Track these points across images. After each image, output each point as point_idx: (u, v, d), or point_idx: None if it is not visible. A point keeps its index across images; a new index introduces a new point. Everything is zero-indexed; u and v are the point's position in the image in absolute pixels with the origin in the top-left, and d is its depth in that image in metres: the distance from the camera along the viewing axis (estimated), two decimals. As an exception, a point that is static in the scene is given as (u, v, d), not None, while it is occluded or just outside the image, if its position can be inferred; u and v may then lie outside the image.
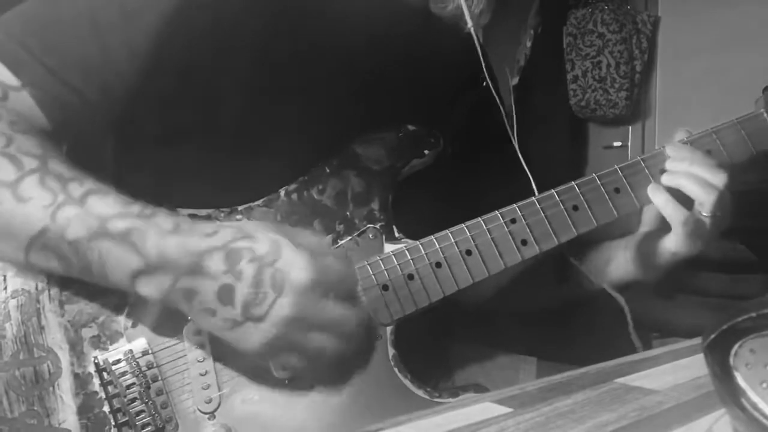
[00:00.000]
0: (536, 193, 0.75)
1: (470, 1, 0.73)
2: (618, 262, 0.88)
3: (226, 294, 0.58)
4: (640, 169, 0.77)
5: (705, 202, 0.74)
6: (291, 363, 0.62)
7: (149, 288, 0.59)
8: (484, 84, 0.84)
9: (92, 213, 0.58)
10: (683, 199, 0.75)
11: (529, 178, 0.78)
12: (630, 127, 3.15)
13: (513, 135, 0.82)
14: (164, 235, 0.58)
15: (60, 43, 0.65)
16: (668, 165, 0.77)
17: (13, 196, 0.58)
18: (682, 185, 0.75)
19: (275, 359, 0.63)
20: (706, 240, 0.77)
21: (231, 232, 0.60)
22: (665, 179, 0.76)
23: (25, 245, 0.59)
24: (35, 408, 0.63)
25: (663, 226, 0.80)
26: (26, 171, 0.59)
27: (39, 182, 0.59)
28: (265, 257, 0.59)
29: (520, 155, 0.79)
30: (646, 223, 0.84)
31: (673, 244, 0.78)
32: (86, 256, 0.58)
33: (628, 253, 0.87)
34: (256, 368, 0.67)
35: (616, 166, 0.77)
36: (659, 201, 0.76)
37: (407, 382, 0.71)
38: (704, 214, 0.75)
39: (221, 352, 0.67)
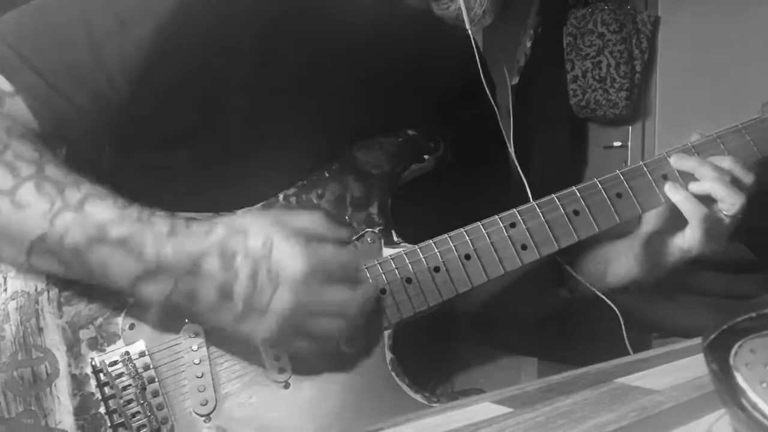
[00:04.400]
0: (531, 200, 0.75)
1: (472, 2, 0.72)
2: (619, 263, 0.87)
3: (225, 291, 0.59)
4: (643, 173, 0.77)
5: (735, 203, 0.74)
6: (302, 348, 0.64)
7: (151, 292, 0.60)
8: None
9: (90, 219, 0.59)
10: (701, 199, 0.75)
11: (524, 184, 0.77)
12: (630, 127, 3.15)
13: (509, 141, 0.81)
14: (161, 239, 0.59)
15: (52, 50, 0.65)
16: (694, 169, 0.76)
17: (11, 204, 0.59)
18: (705, 187, 0.75)
19: (286, 346, 0.64)
20: (723, 240, 0.77)
21: (224, 230, 0.61)
22: (693, 186, 0.76)
23: (26, 250, 0.60)
24: (32, 408, 0.63)
25: (671, 225, 0.79)
26: (23, 178, 0.59)
27: (36, 189, 0.59)
28: (259, 251, 0.60)
29: (516, 162, 0.79)
30: (650, 222, 0.83)
31: (688, 241, 0.77)
32: (86, 261, 0.59)
33: (632, 253, 0.86)
34: (253, 371, 0.67)
35: (617, 171, 0.76)
36: (678, 198, 0.75)
37: (405, 387, 0.70)
38: (727, 214, 0.75)
39: (218, 354, 0.68)
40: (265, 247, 0.60)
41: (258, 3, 0.69)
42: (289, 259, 0.60)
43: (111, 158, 0.76)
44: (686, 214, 0.75)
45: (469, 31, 0.73)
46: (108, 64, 0.65)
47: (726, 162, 0.76)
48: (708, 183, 0.74)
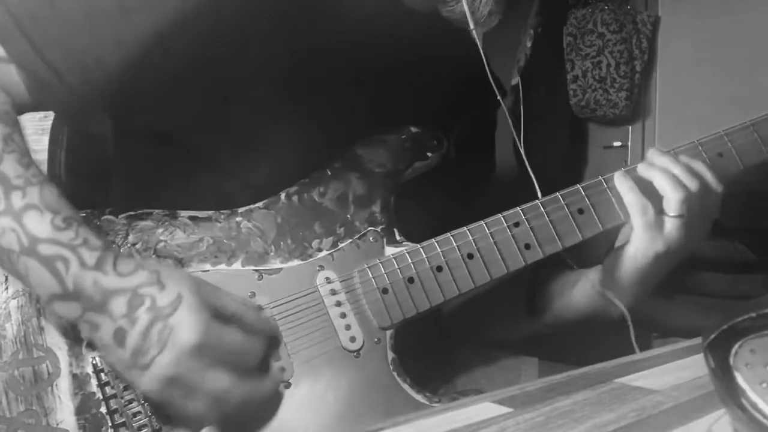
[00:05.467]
0: (539, 197, 0.74)
1: (477, 3, 0.72)
2: (583, 285, 0.83)
3: (120, 336, 0.60)
4: None
5: (671, 199, 0.72)
6: (175, 414, 0.63)
7: (61, 311, 0.61)
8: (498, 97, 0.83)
9: (26, 231, 0.60)
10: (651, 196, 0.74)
11: (533, 181, 0.76)
12: (630, 127, 3.15)
13: (519, 140, 0.80)
14: (84, 269, 0.60)
15: (50, 24, 0.66)
16: (649, 156, 0.75)
17: None
18: (653, 176, 0.73)
19: (163, 406, 0.63)
20: (674, 244, 0.73)
21: (144, 276, 0.61)
22: (640, 168, 0.75)
23: None
24: (34, 408, 0.63)
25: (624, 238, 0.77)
26: None
27: None
28: (162, 309, 0.60)
29: (525, 160, 0.78)
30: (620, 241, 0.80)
31: (631, 242, 0.74)
32: (16, 265, 0.60)
33: (593, 276, 0.82)
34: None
35: (622, 168, 0.75)
36: (623, 187, 0.74)
37: (406, 387, 0.70)
38: (670, 214, 0.73)
39: None
40: (171, 306, 0.60)
41: (263, 3, 0.69)
42: (185, 326, 0.59)
43: (113, 145, 0.76)
44: (627, 204, 0.74)
45: (473, 32, 0.73)
46: (101, 47, 0.66)
47: (698, 165, 0.74)
48: (658, 176, 0.73)
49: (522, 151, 0.79)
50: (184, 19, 0.66)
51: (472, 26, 0.72)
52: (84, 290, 0.60)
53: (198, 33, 0.68)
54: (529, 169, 0.77)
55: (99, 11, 0.66)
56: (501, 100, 0.81)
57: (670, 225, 0.73)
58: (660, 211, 0.73)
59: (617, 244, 0.79)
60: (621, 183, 0.74)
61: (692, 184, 0.72)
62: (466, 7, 0.71)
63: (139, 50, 0.66)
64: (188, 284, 0.62)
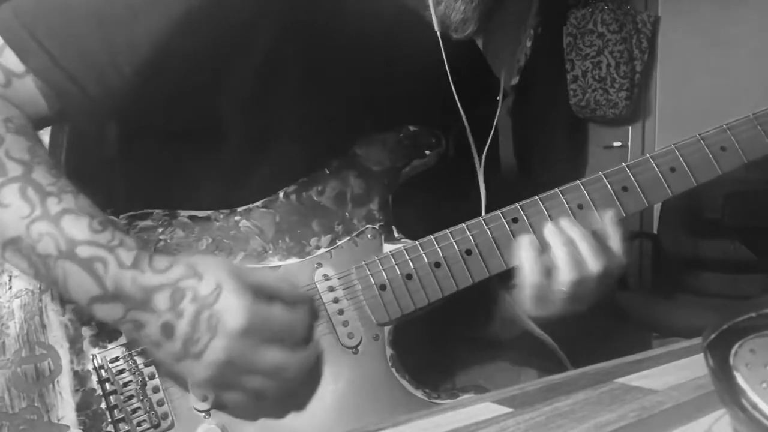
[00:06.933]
0: (483, 214, 0.73)
1: (449, 10, 0.72)
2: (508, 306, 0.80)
3: (168, 330, 0.61)
4: (650, 166, 0.74)
5: (564, 279, 0.69)
6: (233, 399, 0.64)
7: (103, 314, 0.62)
8: (498, 98, 0.83)
9: (64, 234, 0.60)
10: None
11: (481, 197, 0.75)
12: (630, 127, 3.16)
13: (474, 150, 0.79)
14: (123, 269, 0.61)
15: (65, 33, 0.65)
16: (562, 223, 0.71)
17: None
18: (555, 246, 0.70)
19: (219, 394, 0.65)
20: (559, 310, 0.72)
21: (182, 270, 0.62)
22: (546, 230, 0.71)
23: (0, 246, 0.61)
24: (36, 404, 0.64)
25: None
26: (9, 178, 0.61)
27: (20, 191, 0.61)
28: (206, 298, 0.61)
29: (480, 172, 0.77)
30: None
31: (522, 300, 0.73)
32: (52, 270, 0.61)
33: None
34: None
35: (623, 164, 0.74)
36: (523, 254, 0.70)
37: (405, 383, 0.70)
38: (561, 288, 0.70)
39: None
40: (213, 294, 0.61)
41: (267, 3, 0.69)
42: (231, 311, 0.61)
43: (118, 147, 0.77)
44: (522, 268, 0.71)
45: (438, 34, 0.73)
46: (117, 52, 0.66)
47: (613, 240, 0.71)
48: (560, 249, 0.69)
49: (477, 160, 0.78)
50: (190, 19, 0.67)
51: (437, 29, 0.73)
52: (124, 290, 0.60)
53: (205, 35, 0.68)
54: (481, 183, 0.77)
55: (110, 16, 0.66)
56: (500, 100, 0.81)
57: (559, 297, 0.71)
58: (552, 281, 0.71)
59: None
60: (524, 250, 0.71)
61: (594, 266, 0.69)
62: (432, 10, 0.72)
63: (151, 52, 0.66)
64: (225, 270, 0.63)
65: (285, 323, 0.65)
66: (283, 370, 0.63)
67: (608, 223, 0.72)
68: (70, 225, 0.60)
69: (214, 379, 0.62)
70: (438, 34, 0.73)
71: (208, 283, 0.62)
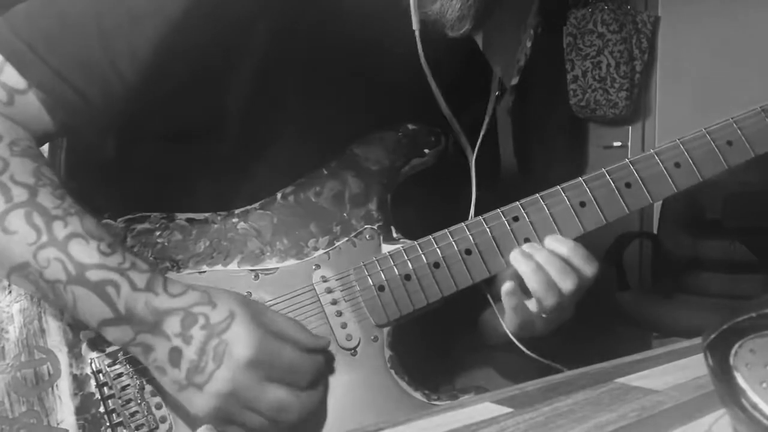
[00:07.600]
0: (472, 218, 0.73)
1: (445, 7, 0.71)
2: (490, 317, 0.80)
3: (175, 356, 0.60)
4: (653, 163, 0.73)
5: (541, 302, 0.69)
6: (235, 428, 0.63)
7: (113, 336, 0.62)
8: (497, 94, 0.82)
9: (73, 259, 0.60)
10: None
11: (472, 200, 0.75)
12: (630, 127, 3.15)
13: (468, 148, 0.78)
14: (136, 291, 0.60)
15: (64, 43, 0.65)
16: (527, 248, 0.71)
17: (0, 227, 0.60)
18: (525, 273, 0.69)
19: (220, 425, 0.64)
20: (538, 331, 0.73)
21: (196, 296, 0.62)
22: (513, 256, 0.70)
23: (7, 272, 0.61)
24: (35, 408, 0.64)
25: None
26: (14, 203, 0.60)
27: (25, 217, 0.60)
28: (216, 326, 0.61)
29: (473, 169, 0.77)
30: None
31: (506, 322, 0.73)
32: (62, 295, 0.60)
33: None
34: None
35: (627, 159, 0.73)
36: (522, 268, 0.69)
37: (404, 384, 0.69)
38: (542, 314, 0.71)
39: None
40: (225, 322, 0.61)
41: (265, 4, 0.69)
42: (240, 340, 0.60)
43: (116, 152, 0.76)
44: (503, 293, 0.71)
45: (416, 32, 0.72)
46: (118, 59, 0.65)
47: (565, 249, 0.70)
48: (531, 276, 0.69)
49: (471, 159, 0.78)
50: (188, 21, 0.66)
51: (415, 26, 0.72)
52: (136, 313, 0.60)
53: (204, 37, 0.67)
54: (474, 185, 0.76)
55: (109, 23, 0.65)
56: (499, 99, 0.80)
57: (540, 320, 0.72)
58: (533, 305, 0.71)
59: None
60: (519, 264, 0.70)
61: (567, 286, 0.69)
62: (412, 7, 0.71)
63: (152, 56, 0.65)
64: (239, 302, 0.63)
65: (294, 363, 0.64)
66: (285, 410, 0.62)
67: (556, 245, 0.70)
68: (78, 249, 0.60)
69: (214, 412, 0.61)
70: (417, 32, 0.72)
71: (220, 312, 0.61)
